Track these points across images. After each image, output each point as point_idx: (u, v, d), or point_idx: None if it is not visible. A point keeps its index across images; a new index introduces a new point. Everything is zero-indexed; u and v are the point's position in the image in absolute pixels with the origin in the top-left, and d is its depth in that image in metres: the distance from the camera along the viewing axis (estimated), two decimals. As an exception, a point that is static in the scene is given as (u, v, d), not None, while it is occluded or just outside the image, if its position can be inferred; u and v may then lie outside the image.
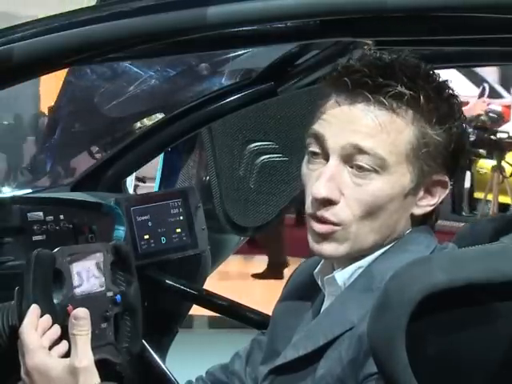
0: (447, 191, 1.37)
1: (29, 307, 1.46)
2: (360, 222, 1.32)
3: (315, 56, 2.04)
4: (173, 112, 2.32)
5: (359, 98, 1.31)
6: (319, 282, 1.42)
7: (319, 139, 1.34)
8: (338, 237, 1.33)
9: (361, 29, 1.36)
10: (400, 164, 1.32)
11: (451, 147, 1.34)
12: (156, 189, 2.68)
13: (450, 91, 1.36)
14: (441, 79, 1.36)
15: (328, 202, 1.32)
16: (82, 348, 1.36)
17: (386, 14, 1.28)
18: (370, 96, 1.31)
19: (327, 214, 1.33)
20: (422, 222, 1.38)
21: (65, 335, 1.42)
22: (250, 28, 1.38)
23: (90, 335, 1.38)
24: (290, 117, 2.45)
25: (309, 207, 1.35)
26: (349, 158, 1.31)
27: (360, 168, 1.31)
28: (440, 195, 1.36)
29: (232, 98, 2.23)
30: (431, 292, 1.03)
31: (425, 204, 1.36)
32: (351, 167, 1.32)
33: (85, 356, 1.35)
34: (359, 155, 1.30)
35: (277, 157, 2.47)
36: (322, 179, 1.32)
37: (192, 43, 1.42)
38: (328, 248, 1.34)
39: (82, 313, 1.39)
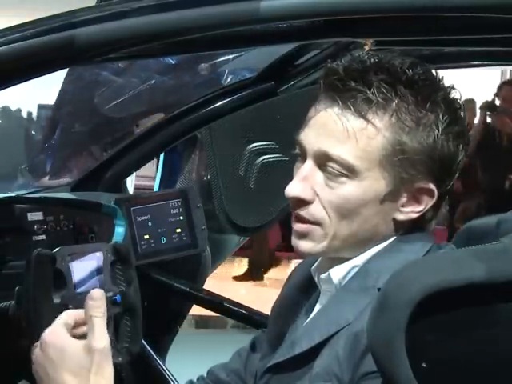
0: (434, 199, 1.36)
1: (29, 307, 1.45)
2: (336, 223, 1.34)
3: (315, 56, 2.04)
4: (173, 112, 2.32)
5: (333, 103, 1.32)
6: (315, 279, 1.43)
7: (300, 144, 1.37)
8: (315, 235, 1.36)
9: (361, 29, 1.36)
10: (372, 169, 1.32)
11: (436, 156, 1.33)
12: (156, 189, 2.68)
13: (441, 99, 1.33)
14: (435, 86, 1.34)
15: (302, 202, 1.35)
16: (100, 329, 1.31)
17: (385, 13, 1.28)
18: (340, 101, 1.31)
19: (303, 212, 1.36)
20: (416, 225, 1.38)
21: None
22: (250, 28, 1.38)
23: (106, 317, 1.33)
24: (290, 117, 2.45)
25: (290, 206, 1.38)
26: (321, 162, 1.34)
27: (330, 172, 1.33)
28: (427, 203, 1.36)
29: (232, 98, 2.23)
30: (430, 292, 1.03)
31: (409, 210, 1.35)
32: (324, 170, 1.34)
33: (102, 337, 1.30)
34: (329, 162, 1.33)
35: (277, 157, 2.47)
36: (295, 179, 1.37)
37: (192, 43, 1.42)
38: (305, 245, 1.37)
39: (98, 293, 1.35)
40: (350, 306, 1.34)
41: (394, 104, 1.31)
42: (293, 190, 1.36)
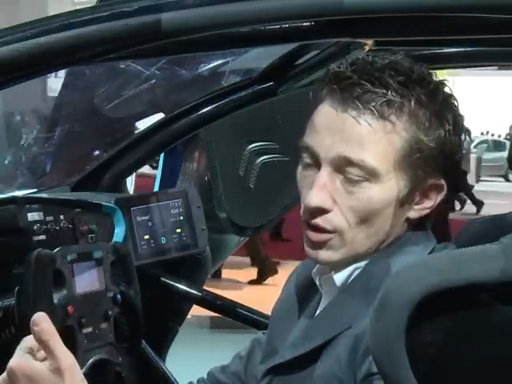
0: (444, 194, 1.36)
1: (29, 307, 1.45)
2: (355, 228, 1.33)
3: (315, 56, 2.04)
4: (173, 112, 2.32)
5: (349, 106, 1.31)
6: (317, 282, 1.43)
7: (310, 150, 1.34)
8: (334, 244, 1.34)
9: (361, 29, 1.36)
10: (392, 171, 1.32)
11: (446, 151, 1.34)
12: (156, 189, 2.68)
13: (446, 93, 1.36)
14: (435, 81, 1.35)
15: (321, 211, 1.33)
16: (59, 349, 1.28)
17: (385, 13, 1.28)
18: (359, 104, 1.30)
19: (321, 221, 1.34)
20: (419, 223, 1.38)
21: (63, 336, 1.41)
22: (250, 28, 1.38)
23: (57, 334, 1.30)
24: (290, 117, 2.45)
25: (303, 215, 1.36)
26: (340, 168, 1.32)
27: (351, 178, 1.31)
28: (437, 198, 1.36)
29: (232, 98, 2.23)
30: (430, 293, 1.03)
31: (421, 208, 1.36)
32: (343, 176, 1.32)
33: (65, 355, 1.28)
34: (349, 167, 1.31)
35: (277, 157, 2.47)
36: (314, 188, 1.33)
37: (192, 43, 1.42)
38: (323, 255, 1.35)
39: (39, 317, 1.31)
40: (352, 307, 1.33)
41: (411, 104, 1.31)
42: (313, 200, 1.32)
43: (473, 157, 13.12)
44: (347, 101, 1.31)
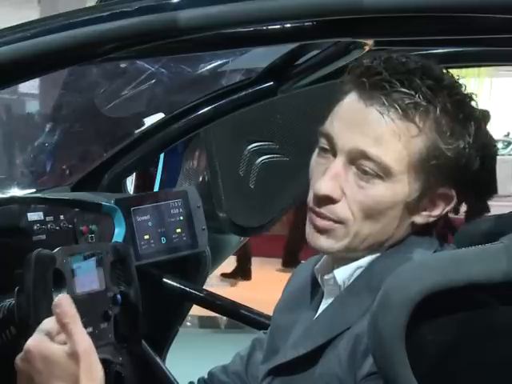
0: (451, 205, 1.36)
1: (29, 307, 1.45)
2: (360, 222, 1.33)
3: (315, 56, 2.04)
4: (173, 112, 2.32)
5: (375, 101, 1.31)
6: (319, 279, 1.43)
7: (329, 138, 1.35)
8: (337, 233, 1.34)
9: (361, 29, 1.36)
10: (406, 173, 1.32)
11: (462, 163, 1.34)
12: (156, 189, 2.68)
13: (472, 107, 1.36)
14: (464, 93, 1.35)
15: (329, 200, 1.33)
16: (77, 332, 1.27)
17: (385, 14, 1.28)
18: (386, 101, 1.30)
19: (327, 211, 1.34)
20: (425, 228, 1.38)
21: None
22: (250, 28, 1.38)
23: (79, 318, 1.29)
24: (290, 117, 2.45)
25: (310, 201, 1.37)
26: (355, 160, 1.32)
27: (364, 172, 1.31)
28: (444, 208, 1.36)
29: (232, 98, 2.23)
30: (431, 292, 1.04)
31: (427, 214, 1.36)
32: (357, 169, 1.32)
33: (83, 339, 1.27)
34: (365, 160, 1.31)
35: (277, 157, 2.47)
36: (325, 177, 1.34)
37: (192, 43, 1.42)
38: (324, 243, 1.36)
39: (61, 299, 1.30)
40: (354, 307, 1.33)
41: (436, 110, 1.31)
42: (323, 188, 1.33)
43: (510, 159, 12.94)
44: (374, 96, 1.31)
